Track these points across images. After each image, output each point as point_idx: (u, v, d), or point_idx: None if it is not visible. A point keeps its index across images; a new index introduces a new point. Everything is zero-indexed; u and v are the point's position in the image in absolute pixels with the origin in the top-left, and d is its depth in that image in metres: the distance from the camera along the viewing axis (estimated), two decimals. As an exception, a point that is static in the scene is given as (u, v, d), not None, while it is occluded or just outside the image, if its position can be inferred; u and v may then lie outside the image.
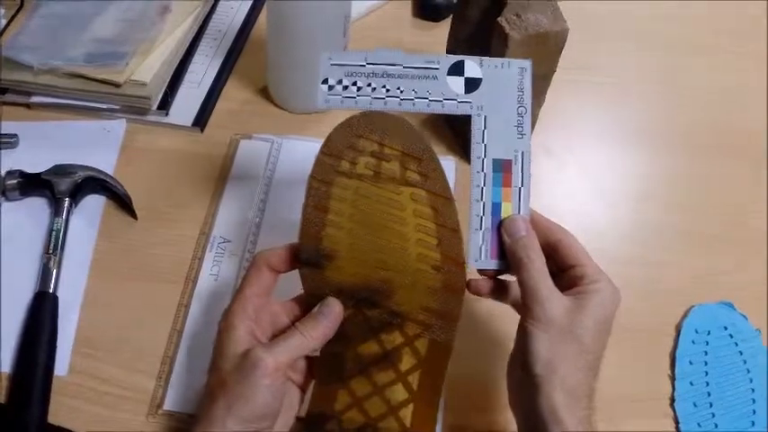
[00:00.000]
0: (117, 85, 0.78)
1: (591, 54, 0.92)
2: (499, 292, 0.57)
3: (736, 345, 0.69)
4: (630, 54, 0.95)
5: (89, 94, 0.79)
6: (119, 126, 0.80)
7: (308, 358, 0.55)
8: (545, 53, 0.69)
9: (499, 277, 0.57)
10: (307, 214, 0.54)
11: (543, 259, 0.53)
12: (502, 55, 0.67)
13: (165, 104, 0.81)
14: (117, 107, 0.80)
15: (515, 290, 0.56)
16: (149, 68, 0.80)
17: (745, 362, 0.68)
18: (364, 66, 0.57)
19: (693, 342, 0.69)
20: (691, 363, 0.68)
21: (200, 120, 0.81)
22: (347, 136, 0.56)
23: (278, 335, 0.53)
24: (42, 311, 0.65)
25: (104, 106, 0.80)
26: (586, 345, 0.50)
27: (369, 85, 0.57)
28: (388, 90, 0.57)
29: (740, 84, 0.93)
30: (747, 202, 0.81)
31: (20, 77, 0.79)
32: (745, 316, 0.71)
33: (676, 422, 0.64)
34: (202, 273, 0.69)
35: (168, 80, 0.83)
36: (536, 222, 0.56)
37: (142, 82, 0.79)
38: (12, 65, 0.79)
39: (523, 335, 0.51)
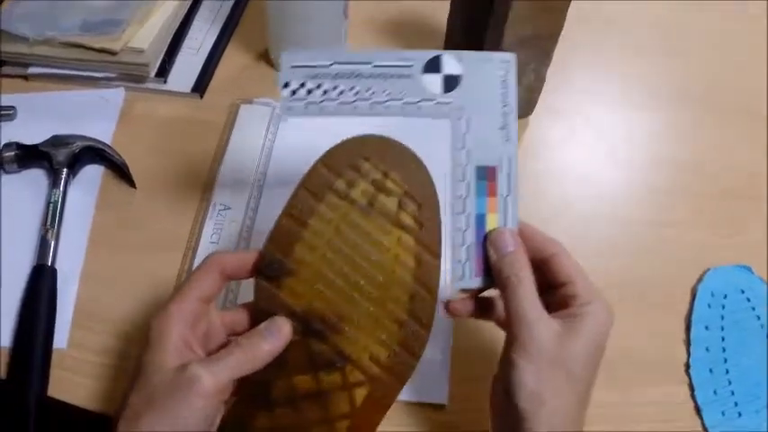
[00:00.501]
0: (114, 53, 0.76)
1: (599, 13, 0.88)
2: (483, 310, 0.53)
3: (754, 309, 0.66)
4: (642, 13, 0.91)
5: (86, 63, 0.77)
6: (117, 95, 0.78)
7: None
8: (551, 10, 0.66)
9: (481, 294, 0.53)
10: (282, 222, 0.49)
11: (532, 278, 0.48)
12: (505, 14, 0.64)
13: (163, 71, 0.79)
14: (114, 75, 0.78)
15: (501, 307, 0.51)
16: (147, 35, 0.78)
17: (762, 326, 0.65)
18: (330, 66, 0.51)
19: (709, 306, 0.66)
20: (707, 328, 0.65)
21: (200, 86, 0.79)
22: (352, 154, 0.50)
23: (212, 349, 0.48)
24: (41, 285, 0.63)
25: (102, 75, 0.78)
26: (576, 374, 0.46)
27: (335, 87, 0.51)
28: (357, 92, 0.51)
29: (755, 46, 0.89)
30: (763, 163, 0.78)
31: (16, 49, 0.77)
32: (762, 279, 0.68)
33: (691, 389, 0.62)
34: (203, 241, 0.67)
35: (166, 46, 0.81)
36: (526, 235, 0.50)
37: (139, 49, 0.77)
38: (7, 37, 0.78)
39: (508, 363, 0.46)
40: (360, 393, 0.49)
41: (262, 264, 0.49)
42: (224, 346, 0.47)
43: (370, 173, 0.50)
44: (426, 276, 0.50)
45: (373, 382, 0.49)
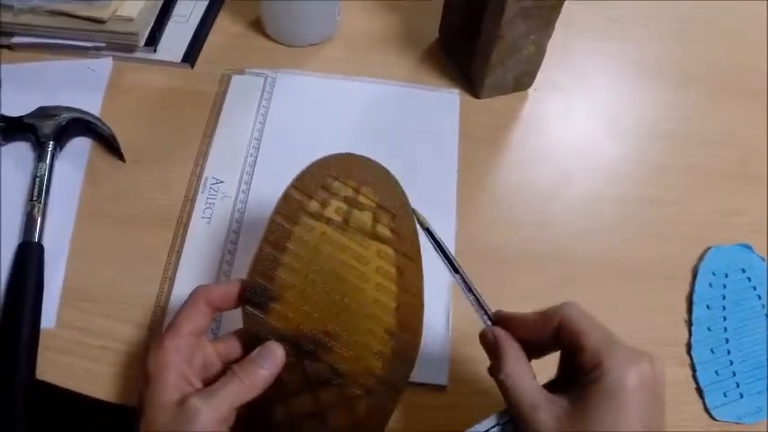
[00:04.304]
0: (101, 22, 0.70)
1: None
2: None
3: (755, 289, 0.62)
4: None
5: (73, 32, 0.71)
6: (104, 64, 0.72)
7: None
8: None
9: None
10: (262, 250, 0.47)
11: (525, 367, 0.43)
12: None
13: (152, 40, 0.73)
14: (102, 45, 0.72)
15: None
16: (136, 3, 0.72)
17: (763, 306, 0.62)
18: None
19: (711, 285, 0.62)
20: (708, 307, 0.61)
21: (190, 55, 0.73)
22: (322, 175, 0.49)
23: (210, 379, 0.46)
24: (27, 262, 0.58)
25: (89, 45, 0.72)
26: None
27: None
28: None
29: (755, 22, 0.84)
30: (764, 142, 0.73)
31: (-1, 18, 0.71)
32: (762, 258, 0.64)
33: (693, 369, 0.58)
34: (194, 216, 0.62)
35: (156, 15, 0.74)
36: (517, 322, 0.45)
37: (128, 17, 0.71)
38: (-10, 5, 0.71)
39: None
40: (360, 406, 0.47)
41: (247, 292, 0.47)
42: (221, 374, 0.46)
43: (341, 190, 0.49)
44: (410, 282, 0.49)
45: (371, 394, 0.47)
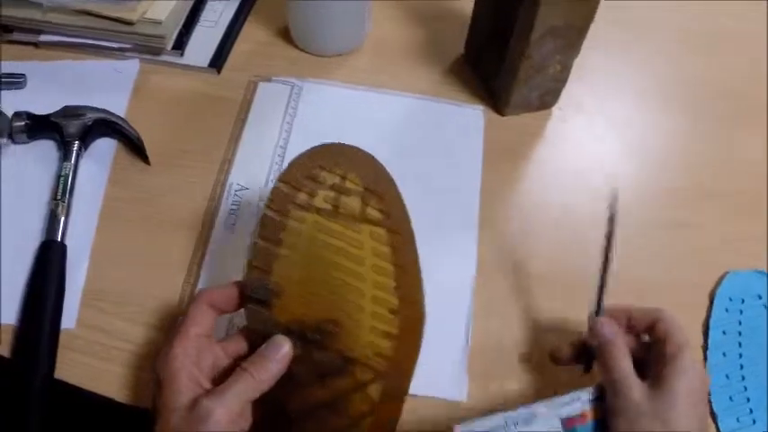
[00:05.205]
0: (130, 23, 0.70)
1: (624, 11, 0.83)
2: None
3: (771, 315, 0.62)
4: (665, 14, 0.85)
5: (100, 32, 0.71)
6: (131, 66, 0.72)
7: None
8: (584, 1, 0.60)
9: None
10: (257, 246, 0.48)
11: (625, 349, 0.49)
12: (537, 3, 0.58)
13: (180, 44, 0.73)
14: (129, 46, 0.72)
15: None
16: (164, 6, 0.72)
17: (779, 333, 0.61)
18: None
19: (727, 311, 0.62)
20: (724, 333, 0.61)
21: (217, 61, 0.73)
22: (308, 166, 0.50)
23: (220, 377, 0.46)
24: (49, 261, 0.58)
25: (116, 45, 0.72)
26: (673, 422, 0.45)
27: None
28: None
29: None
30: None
31: (27, 15, 0.70)
32: (779, 285, 0.63)
33: (708, 395, 0.58)
34: (218, 222, 0.62)
35: (184, 18, 0.74)
36: (621, 313, 0.52)
37: (157, 20, 0.71)
38: (19, 2, 0.70)
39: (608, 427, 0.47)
40: (374, 389, 0.47)
41: (247, 290, 0.47)
42: (231, 372, 0.46)
43: (328, 179, 0.49)
44: (405, 258, 0.49)
45: (384, 375, 0.47)
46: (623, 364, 0.48)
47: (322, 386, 0.47)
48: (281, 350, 0.46)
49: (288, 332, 0.47)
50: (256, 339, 0.47)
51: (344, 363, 0.47)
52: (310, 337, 0.47)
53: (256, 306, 0.47)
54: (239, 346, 0.49)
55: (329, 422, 0.47)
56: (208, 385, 0.46)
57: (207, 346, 0.47)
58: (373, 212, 0.49)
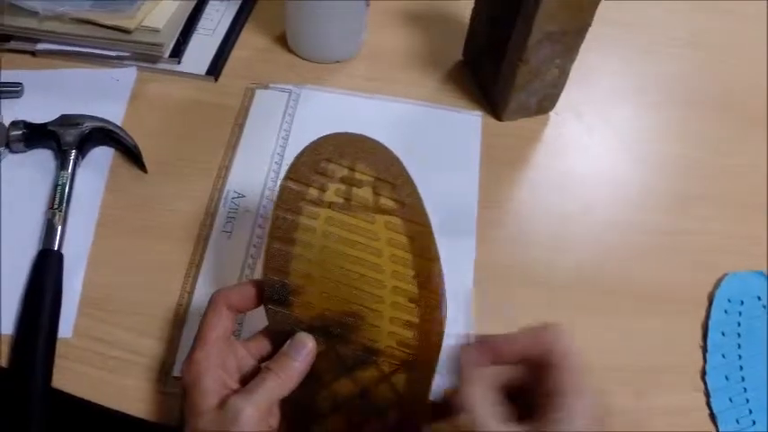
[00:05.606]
0: (127, 32, 0.70)
1: (622, 13, 0.83)
2: None
3: (770, 316, 0.62)
4: (661, 13, 0.86)
5: (97, 40, 0.70)
6: (128, 74, 0.72)
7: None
8: (580, 7, 0.61)
9: None
10: (271, 248, 0.47)
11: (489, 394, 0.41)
12: (535, 9, 0.58)
13: (177, 52, 0.72)
14: (127, 55, 0.71)
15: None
16: (162, 14, 0.72)
17: (779, 334, 0.61)
18: None
19: (726, 312, 0.61)
20: (723, 334, 0.60)
21: (215, 68, 0.73)
22: (314, 161, 0.48)
23: (247, 378, 0.46)
24: (46, 270, 0.57)
25: (114, 54, 0.71)
26: None
27: None
28: None
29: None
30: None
31: (24, 24, 0.70)
32: (779, 286, 0.63)
33: (707, 396, 0.57)
34: (215, 230, 0.61)
35: (182, 26, 0.74)
36: (498, 347, 0.42)
37: (154, 28, 0.70)
38: (16, 10, 0.70)
39: None
40: (400, 379, 0.47)
41: (266, 291, 0.47)
42: (257, 373, 0.46)
43: (337, 171, 0.48)
44: (423, 248, 0.48)
45: (409, 365, 0.47)
46: (476, 394, 0.40)
47: (348, 380, 0.47)
48: (305, 348, 0.46)
49: (310, 329, 0.47)
50: (279, 338, 0.47)
51: (369, 354, 0.47)
52: (333, 332, 0.47)
53: (277, 307, 0.47)
54: (263, 345, 0.49)
55: (359, 415, 0.47)
56: (235, 385, 0.46)
57: (229, 348, 0.47)
58: (387, 202, 0.48)
